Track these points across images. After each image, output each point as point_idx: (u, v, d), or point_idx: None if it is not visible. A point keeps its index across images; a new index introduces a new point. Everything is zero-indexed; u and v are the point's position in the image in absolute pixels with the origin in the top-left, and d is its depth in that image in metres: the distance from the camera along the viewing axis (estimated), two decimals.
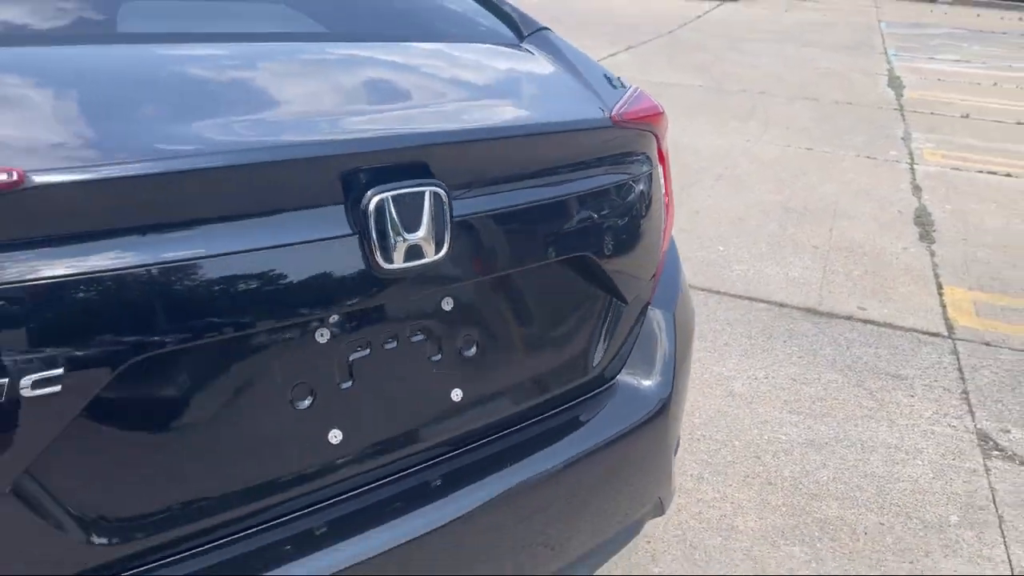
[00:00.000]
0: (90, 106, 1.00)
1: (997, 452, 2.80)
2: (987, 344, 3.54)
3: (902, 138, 7.04)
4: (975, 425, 2.94)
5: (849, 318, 3.70)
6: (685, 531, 2.33)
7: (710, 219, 4.80)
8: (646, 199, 1.53)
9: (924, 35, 14.80)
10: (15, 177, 0.85)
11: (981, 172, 6.16)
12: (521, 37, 1.71)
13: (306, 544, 1.12)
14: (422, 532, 1.19)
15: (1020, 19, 18.74)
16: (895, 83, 9.61)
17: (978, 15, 19.21)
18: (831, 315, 3.71)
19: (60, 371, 0.90)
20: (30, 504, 0.93)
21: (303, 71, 1.26)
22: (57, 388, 0.90)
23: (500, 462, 1.33)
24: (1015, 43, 14.54)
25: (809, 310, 3.75)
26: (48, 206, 0.89)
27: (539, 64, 1.61)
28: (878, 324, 3.66)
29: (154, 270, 0.94)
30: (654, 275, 1.60)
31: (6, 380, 0.87)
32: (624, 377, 1.55)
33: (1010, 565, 2.28)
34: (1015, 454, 2.79)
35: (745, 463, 2.64)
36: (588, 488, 1.44)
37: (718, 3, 17.98)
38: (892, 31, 14.95)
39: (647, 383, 1.56)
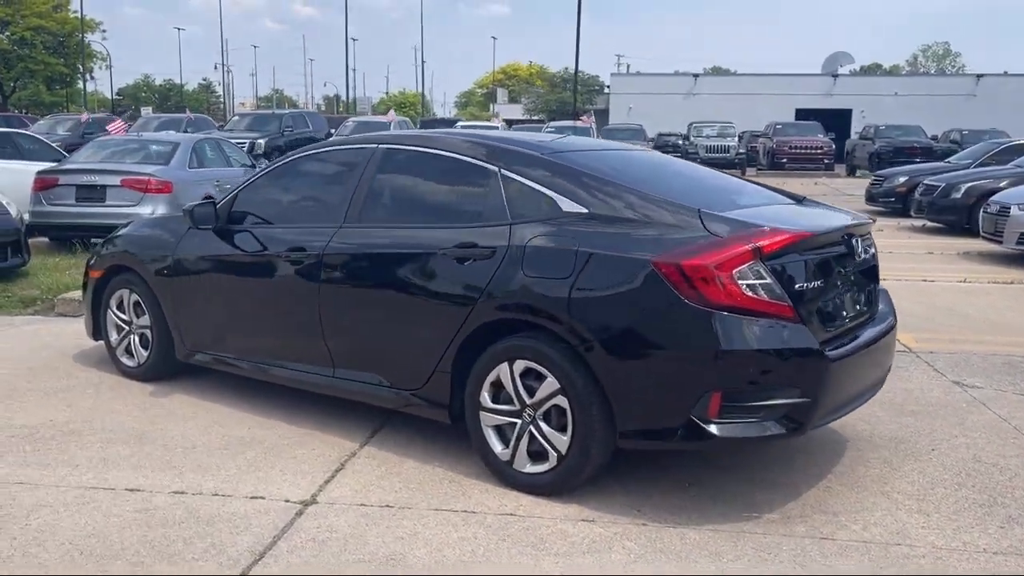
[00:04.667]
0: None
1: (964, 385, 5.69)
2: (931, 352, 6.54)
3: None
4: (947, 378, 5.84)
5: None
6: None
7: None
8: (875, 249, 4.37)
9: None
10: (806, 232, 3.60)
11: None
12: (800, 201, 4.53)
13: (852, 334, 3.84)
14: (869, 341, 3.92)
15: (815, 183, 23.88)
16: None
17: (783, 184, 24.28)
18: None
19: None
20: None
21: (790, 209, 4.10)
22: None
23: (871, 325, 4.08)
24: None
25: None
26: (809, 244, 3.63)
27: (823, 207, 4.44)
28: None
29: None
30: None
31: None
32: (879, 310, 4.32)
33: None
34: (971, 384, 5.68)
35: None
36: (881, 349, 4.16)
37: None
38: None
39: (886, 312, 4.34)
